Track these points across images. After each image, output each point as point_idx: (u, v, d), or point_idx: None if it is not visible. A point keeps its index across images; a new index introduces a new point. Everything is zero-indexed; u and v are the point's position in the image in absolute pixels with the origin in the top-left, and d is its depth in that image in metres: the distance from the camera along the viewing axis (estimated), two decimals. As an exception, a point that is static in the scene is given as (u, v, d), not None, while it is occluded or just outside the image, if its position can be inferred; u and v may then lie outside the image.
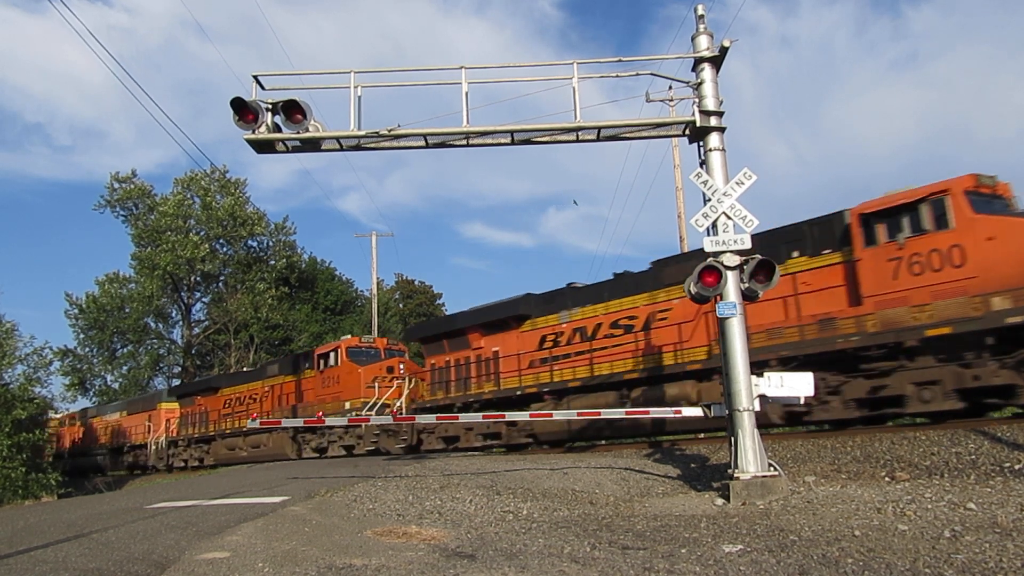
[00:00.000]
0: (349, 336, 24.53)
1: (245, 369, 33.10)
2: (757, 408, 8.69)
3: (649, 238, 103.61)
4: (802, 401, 9.41)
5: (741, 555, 5.58)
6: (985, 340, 10.13)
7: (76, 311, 45.23)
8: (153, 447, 32.15)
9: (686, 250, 22.25)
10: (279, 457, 23.67)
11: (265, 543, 6.44)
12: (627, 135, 9.99)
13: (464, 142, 10.05)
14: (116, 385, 45.55)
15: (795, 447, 11.06)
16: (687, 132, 9.61)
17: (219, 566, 5.59)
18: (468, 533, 7.18)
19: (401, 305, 53.15)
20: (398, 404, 20.59)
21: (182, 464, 30.21)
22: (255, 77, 9.68)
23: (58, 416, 41.45)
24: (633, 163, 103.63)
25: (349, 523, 7.71)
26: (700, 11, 9.53)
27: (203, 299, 47.77)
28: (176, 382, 43.42)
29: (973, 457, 8.97)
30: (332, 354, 23.23)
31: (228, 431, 27.17)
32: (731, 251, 8.88)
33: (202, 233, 43.44)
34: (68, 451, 40.34)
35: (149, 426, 32.94)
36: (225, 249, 45.75)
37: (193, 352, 45.60)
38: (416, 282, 56.18)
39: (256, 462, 24.40)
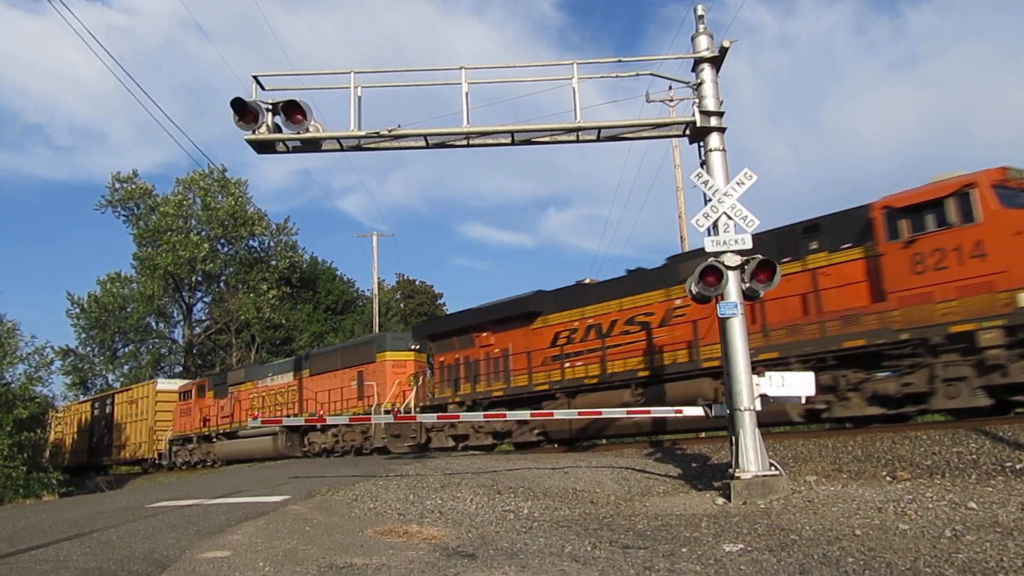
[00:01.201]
0: (968, 172, 11.11)
1: (588, 281, 17.57)
2: (758, 408, 8.69)
3: (650, 238, 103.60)
4: (803, 401, 9.41)
5: (742, 554, 5.58)
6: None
7: (77, 311, 45.33)
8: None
9: (687, 250, 22.24)
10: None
11: (266, 542, 6.45)
12: (627, 135, 10.00)
13: (464, 142, 10.05)
14: (117, 384, 45.55)
15: (796, 446, 11.05)
16: (687, 132, 9.61)
17: (220, 565, 5.60)
18: (469, 532, 7.19)
19: (402, 305, 53.19)
20: None
21: (450, 444, 18.62)
22: (255, 77, 9.67)
23: (173, 388, 32.69)
24: (633, 163, 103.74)
25: (350, 522, 7.71)
26: (700, 11, 9.53)
27: (204, 299, 47.90)
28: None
29: (974, 456, 8.97)
30: (952, 203, 10.84)
31: (591, 379, 15.07)
32: (732, 251, 8.88)
33: (203, 233, 43.51)
34: (196, 434, 29.28)
35: (369, 387, 21.80)
36: (226, 249, 45.83)
37: (194, 352, 45.66)
38: (417, 282, 56.24)
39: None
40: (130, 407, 34.32)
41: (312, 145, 9.98)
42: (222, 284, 46.84)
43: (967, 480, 8.09)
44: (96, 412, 37.56)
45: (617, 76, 10.50)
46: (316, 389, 24.02)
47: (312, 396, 24.06)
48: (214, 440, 28.06)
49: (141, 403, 33.52)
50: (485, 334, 18.62)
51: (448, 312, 22.50)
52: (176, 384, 33.55)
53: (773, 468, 8.47)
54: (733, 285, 8.84)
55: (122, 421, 34.85)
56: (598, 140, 9.88)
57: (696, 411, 10.31)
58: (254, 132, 9.57)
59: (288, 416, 24.29)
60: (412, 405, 20.15)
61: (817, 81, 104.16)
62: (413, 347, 22.25)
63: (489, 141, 10.10)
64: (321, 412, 22.14)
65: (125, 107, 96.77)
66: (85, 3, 79.10)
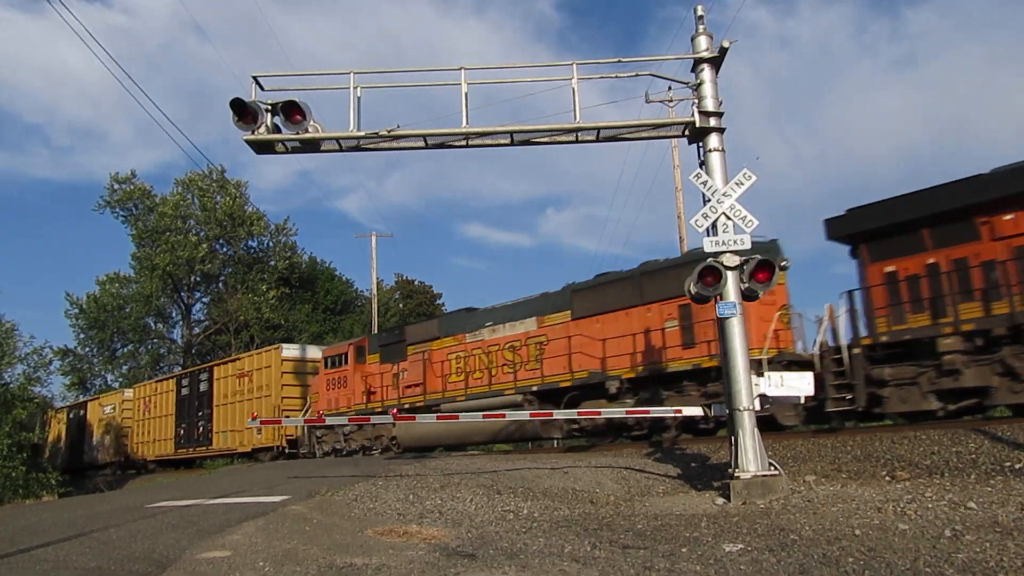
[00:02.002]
0: None
1: None
2: (757, 408, 8.71)
3: (648, 239, 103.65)
4: (802, 400, 9.42)
5: (742, 554, 5.59)
6: None
7: (76, 311, 45.30)
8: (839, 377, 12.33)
9: (685, 251, 22.19)
10: None
11: (266, 542, 6.45)
12: (626, 136, 10.01)
13: (464, 143, 10.06)
14: (116, 385, 45.52)
15: (795, 446, 11.06)
16: (687, 133, 9.63)
17: (220, 565, 5.60)
18: (469, 532, 7.19)
19: (401, 305, 53.18)
20: None
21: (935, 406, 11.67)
22: (254, 78, 9.68)
23: (311, 356, 25.25)
24: (633, 164, 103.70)
25: (350, 522, 7.71)
26: (699, 12, 9.54)
27: (203, 299, 47.90)
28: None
29: (973, 456, 8.98)
30: None
31: None
32: (731, 251, 8.89)
33: (201, 233, 43.51)
34: (360, 412, 20.44)
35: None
36: (225, 249, 45.83)
37: (193, 352, 45.62)
38: (416, 282, 56.21)
39: None
40: (239, 382, 26.40)
41: (311, 145, 9.99)
42: (221, 284, 46.83)
43: (966, 480, 8.10)
44: (185, 391, 29.91)
45: (617, 76, 10.52)
46: (593, 336, 15.65)
47: (585, 348, 15.78)
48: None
49: (259, 376, 25.44)
50: (1007, 217, 11.07)
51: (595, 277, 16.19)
52: (315, 350, 25.64)
53: (772, 468, 8.48)
54: (732, 285, 8.85)
55: (227, 400, 26.90)
56: (597, 140, 9.89)
57: (695, 411, 10.33)
58: (253, 132, 9.58)
59: (525, 380, 16.86)
60: (845, 349, 12.25)
61: (817, 81, 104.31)
62: (782, 263, 12.88)
63: (488, 142, 10.11)
64: (610, 369, 15.18)
65: (125, 107, 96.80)
66: (85, 3, 79.07)
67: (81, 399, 41.84)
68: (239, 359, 27.90)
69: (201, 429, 28.46)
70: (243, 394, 26.29)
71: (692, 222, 9.22)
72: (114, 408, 35.61)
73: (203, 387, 28.86)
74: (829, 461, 10.07)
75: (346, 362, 22.37)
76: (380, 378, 20.95)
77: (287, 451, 24.35)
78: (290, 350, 25.98)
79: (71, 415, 39.21)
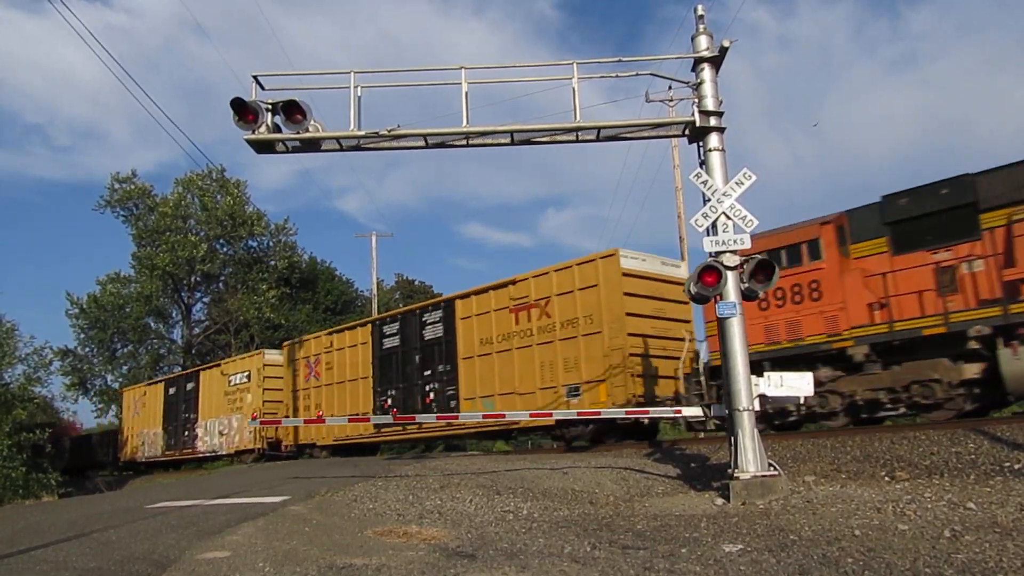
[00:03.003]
0: None
1: None
2: (757, 408, 8.71)
3: (649, 238, 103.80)
4: (802, 401, 9.41)
5: (741, 555, 5.59)
6: None
7: (77, 311, 45.29)
8: None
9: (685, 251, 22.20)
10: None
11: (266, 542, 6.46)
12: (627, 135, 10.01)
13: (464, 142, 10.06)
14: (116, 385, 45.51)
15: (795, 447, 11.06)
16: (687, 132, 9.63)
17: (220, 565, 5.60)
18: (468, 533, 7.19)
19: (401, 305, 53.23)
20: None
21: None
22: (255, 77, 9.69)
23: (671, 273, 15.95)
24: (633, 163, 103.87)
25: (349, 523, 7.72)
26: (700, 11, 9.54)
27: (203, 299, 47.90)
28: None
29: (973, 457, 8.97)
30: None
31: None
32: (731, 251, 8.90)
33: (201, 233, 43.51)
34: (890, 328, 11.29)
35: None
36: (225, 249, 45.83)
37: (193, 352, 45.63)
38: (416, 282, 56.24)
39: None
40: (515, 318, 16.47)
41: (312, 145, 10.00)
42: (221, 284, 46.84)
43: (966, 480, 8.09)
44: (390, 342, 19.84)
45: (617, 76, 10.50)
46: None
47: None
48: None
49: (567, 305, 15.56)
50: None
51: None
52: (655, 262, 16.06)
53: (772, 468, 8.48)
54: (732, 285, 8.85)
55: (488, 349, 16.96)
56: (597, 140, 9.88)
57: (695, 411, 10.34)
58: (254, 132, 9.59)
59: None
60: None
61: (816, 81, 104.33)
62: None
63: (489, 141, 10.11)
64: None
65: (125, 107, 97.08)
66: (85, 3, 79.22)
67: (191, 368, 32.30)
68: (513, 283, 16.72)
69: (432, 397, 18.03)
70: (528, 335, 16.17)
71: (692, 222, 9.22)
72: (248, 376, 25.59)
73: (431, 333, 18.54)
74: (828, 461, 10.06)
75: (816, 256, 12.59)
76: (901, 279, 11.62)
77: (694, 424, 14.11)
78: (633, 259, 15.45)
79: (169, 390, 30.33)
